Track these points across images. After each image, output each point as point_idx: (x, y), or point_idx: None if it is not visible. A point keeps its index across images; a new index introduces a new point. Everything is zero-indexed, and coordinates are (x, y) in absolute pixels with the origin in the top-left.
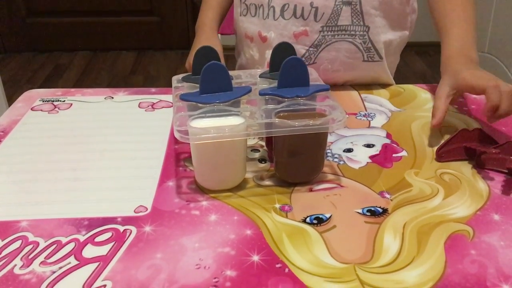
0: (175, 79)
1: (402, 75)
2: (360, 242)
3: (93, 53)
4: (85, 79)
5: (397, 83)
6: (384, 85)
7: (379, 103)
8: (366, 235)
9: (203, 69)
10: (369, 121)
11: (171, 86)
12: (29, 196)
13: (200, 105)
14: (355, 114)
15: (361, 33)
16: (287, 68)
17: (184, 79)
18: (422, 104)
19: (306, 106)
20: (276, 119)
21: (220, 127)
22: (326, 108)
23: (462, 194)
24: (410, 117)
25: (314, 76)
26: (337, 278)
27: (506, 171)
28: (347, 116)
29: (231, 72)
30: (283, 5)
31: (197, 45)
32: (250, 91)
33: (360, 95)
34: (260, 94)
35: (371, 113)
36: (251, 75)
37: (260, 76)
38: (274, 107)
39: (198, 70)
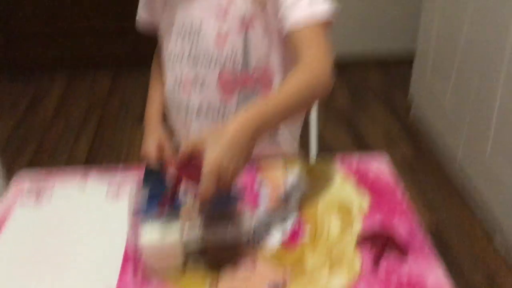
0: (130, 194)
1: (361, 92)
2: None
3: (71, 76)
4: (65, 105)
5: (355, 101)
6: (307, 160)
7: (297, 181)
8: None
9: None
10: (285, 199)
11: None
12: None
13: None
14: (276, 194)
15: None
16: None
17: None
18: (330, 178)
19: (227, 213)
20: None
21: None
22: (238, 216)
23: (340, 269)
24: (317, 194)
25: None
26: None
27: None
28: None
29: None
30: (198, 107)
31: (148, 134)
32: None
33: (286, 170)
34: None
35: (289, 193)
36: None
37: None
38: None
39: (147, 185)
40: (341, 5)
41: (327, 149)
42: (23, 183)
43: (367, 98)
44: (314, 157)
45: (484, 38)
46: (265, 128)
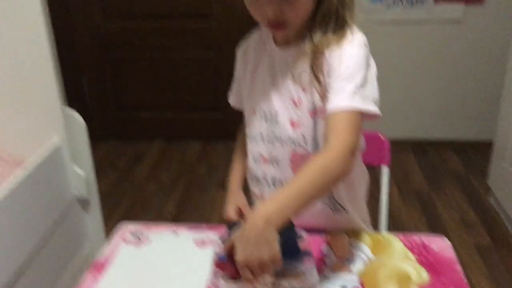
0: (218, 239)
1: (438, 174)
2: None
3: (167, 142)
4: (159, 167)
5: (432, 183)
6: (372, 233)
7: (361, 249)
8: None
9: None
10: (350, 265)
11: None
12: None
13: None
14: (342, 259)
15: (328, 196)
16: (285, 243)
17: (221, 240)
18: (393, 252)
19: (297, 269)
20: (273, 279)
21: None
22: (306, 271)
23: None
24: (379, 265)
25: (306, 238)
26: None
27: None
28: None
29: None
30: (273, 179)
31: (229, 200)
32: None
33: (349, 241)
34: None
35: (353, 259)
36: None
37: None
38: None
39: (231, 234)
40: (427, 94)
41: (400, 229)
42: (126, 230)
43: (445, 180)
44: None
45: None
46: (287, 215)
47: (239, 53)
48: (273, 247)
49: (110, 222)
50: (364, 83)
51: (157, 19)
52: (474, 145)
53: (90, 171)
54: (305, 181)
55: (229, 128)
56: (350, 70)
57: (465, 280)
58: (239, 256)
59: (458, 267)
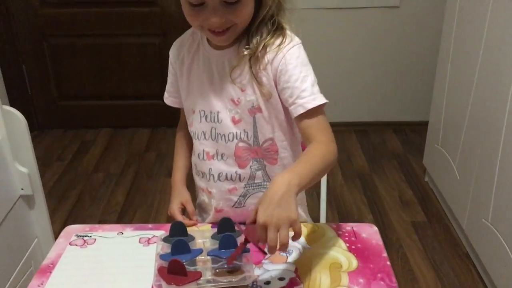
0: (159, 238)
1: (378, 154)
2: None
3: (114, 130)
4: (107, 157)
5: (373, 162)
6: (308, 223)
7: (297, 240)
8: None
9: (173, 242)
10: (287, 256)
11: None
12: None
13: None
14: (280, 250)
15: None
16: (224, 239)
17: (164, 240)
18: (326, 242)
19: (233, 265)
20: (213, 276)
21: None
22: (244, 267)
23: None
24: (314, 254)
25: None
26: None
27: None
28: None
29: (193, 233)
30: (219, 173)
31: (173, 197)
32: (201, 252)
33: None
34: (208, 254)
35: (290, 250)
36: (204, 236)
37: (212, 237)
38: (214, 266)
39: (173, 234)
40: (367, 78)
41: (342, 210)
42: (71, 232)
43: (385, 161)
44: (323, 221)
45: (486, 113)
46: (303, 186)
47: (173, 52)
48: (292, 210)
49: (58, 215)
50: (314, 78)
51: (98, 4)
52: (413, 126)
53: (33, 167)
54: (315, 161)
55: (176, 115)
56: (302, 71)
57: (390, 266)
58: (260, 217)
59: (385, 254)
